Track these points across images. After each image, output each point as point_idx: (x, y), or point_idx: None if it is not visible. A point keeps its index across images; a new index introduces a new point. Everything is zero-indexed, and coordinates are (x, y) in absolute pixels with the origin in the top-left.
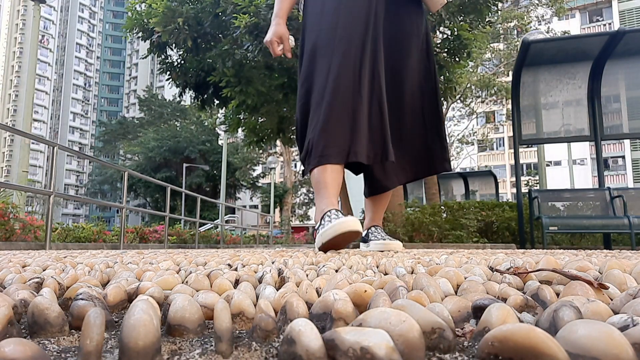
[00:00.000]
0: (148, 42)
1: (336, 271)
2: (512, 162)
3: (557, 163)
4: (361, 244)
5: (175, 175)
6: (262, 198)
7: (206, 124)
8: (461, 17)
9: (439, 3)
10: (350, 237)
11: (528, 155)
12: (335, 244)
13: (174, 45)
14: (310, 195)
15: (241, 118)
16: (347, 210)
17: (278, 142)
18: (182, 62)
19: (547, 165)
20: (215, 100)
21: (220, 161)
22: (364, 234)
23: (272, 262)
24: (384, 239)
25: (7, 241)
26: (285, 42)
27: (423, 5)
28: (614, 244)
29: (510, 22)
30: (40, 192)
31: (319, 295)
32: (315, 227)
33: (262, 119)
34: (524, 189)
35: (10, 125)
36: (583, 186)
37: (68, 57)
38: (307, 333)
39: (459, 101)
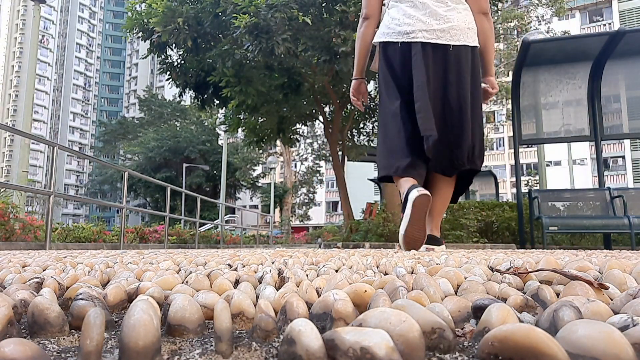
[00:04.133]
0: (148, 42)
1: (336, 271)
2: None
3: (557, 163)
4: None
5: (175, 175)
6: (262, 198)
7: (206, 124)
8: None
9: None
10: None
11: (528, 155)
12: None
13: (174, 45)
14: (310, 195)
15: (241, 118)
16: (347, 210)
17: (278, 142)
18: (182, 62)
19: (547, 165)
20: (215, 100)
21: (220, 161)
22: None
23: (272, 262)
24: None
25: (7, 241)
26: (363, 95)
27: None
28: (614, 244)
29: (510, 22)
30: (40, 192)
31: (319, 295)
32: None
33: (262, 119)
34: (524, 189)
35: (10, 125)
36: (583, 186)
37: (68, 57)
38: (307, 333)
39: None
